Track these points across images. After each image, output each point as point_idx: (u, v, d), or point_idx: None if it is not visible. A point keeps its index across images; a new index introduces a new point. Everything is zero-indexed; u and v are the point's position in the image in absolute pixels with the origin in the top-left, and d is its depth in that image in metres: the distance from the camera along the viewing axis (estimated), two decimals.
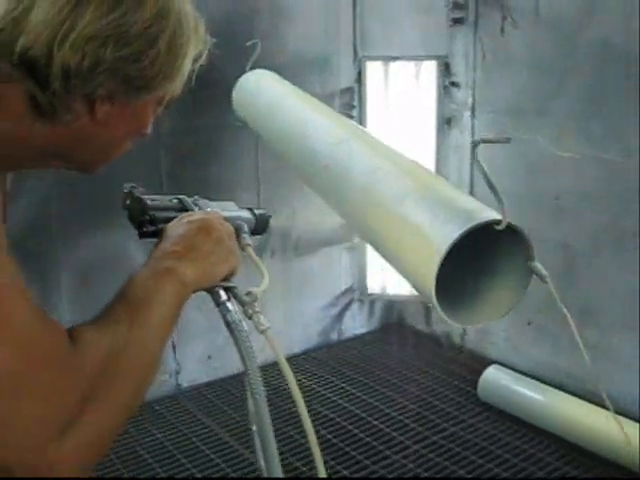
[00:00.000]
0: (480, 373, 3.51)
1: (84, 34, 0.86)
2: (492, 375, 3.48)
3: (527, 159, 3.49)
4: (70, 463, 0.77)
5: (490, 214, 1.67)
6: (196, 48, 0.99)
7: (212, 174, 3.64)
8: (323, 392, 3.71)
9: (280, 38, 3.76)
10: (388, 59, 4.01)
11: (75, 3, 0.86)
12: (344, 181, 2.12)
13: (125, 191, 1.15)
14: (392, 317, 4.50)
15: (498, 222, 1.63)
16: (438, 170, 4.01)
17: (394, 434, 3.28)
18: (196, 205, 1.22)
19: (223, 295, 1.12)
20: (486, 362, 3.67)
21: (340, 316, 4.36)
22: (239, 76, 3.36)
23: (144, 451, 3.19)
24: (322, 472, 1.05)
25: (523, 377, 3.43)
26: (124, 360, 0.87)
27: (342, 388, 3.75)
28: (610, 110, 3.11)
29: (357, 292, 4.37)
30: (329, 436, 3.27)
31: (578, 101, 3.24)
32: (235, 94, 3.13)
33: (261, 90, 3.02)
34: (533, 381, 3.39)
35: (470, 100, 3.79)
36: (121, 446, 3.23)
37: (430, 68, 3.92)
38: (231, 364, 3.61)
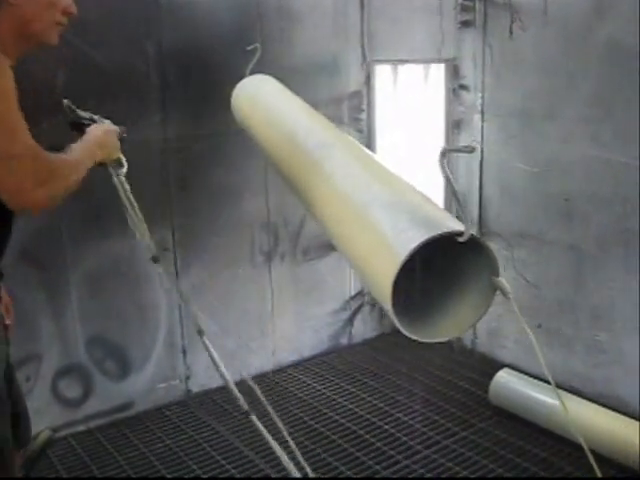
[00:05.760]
0: (491, 377, 3.50)
1: None
2: (503, 378, 3.46)
3: (537, 161, 3.48)
4: (42, 200, 1.70)
5: (454, 225, 1.64)
6: None
7: (220, 180, 3.64)
8: (333, 396, 3.70)
9: (289, 42, 3.77)
10: (397, 62, 4.01)
11: None
12: (320, 185, 2.11)
13: (64, 102, 2.16)
14: None
15: (461, 234, 1.60)
16: None
17: (404, 438, 3.27)
18: (101, 120, 2.21)
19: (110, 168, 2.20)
20: (497, 365, 3.67)
21: (350, 320, 4.35)
22: None
23: (154, 457, 3.19)
24: None
25: (534, 380, 3.41)
26: (70, 167, 1.83)
27: (352, 392, 3.74)
28: (619, 112, 3.10)
29: (367, 296, 4.36)
30: (339, 440, 3.27)
31: (587, 103, 3.23)
32: (233, 99, 3.14)
33: (256, 96, 3.03)
34: (544, 384, 3.37)
35: (479, 103, 3.78)
36: (130, 452, 3.24)
37: (439, 71, 3.92)
38: (241, 369, 3.60)
